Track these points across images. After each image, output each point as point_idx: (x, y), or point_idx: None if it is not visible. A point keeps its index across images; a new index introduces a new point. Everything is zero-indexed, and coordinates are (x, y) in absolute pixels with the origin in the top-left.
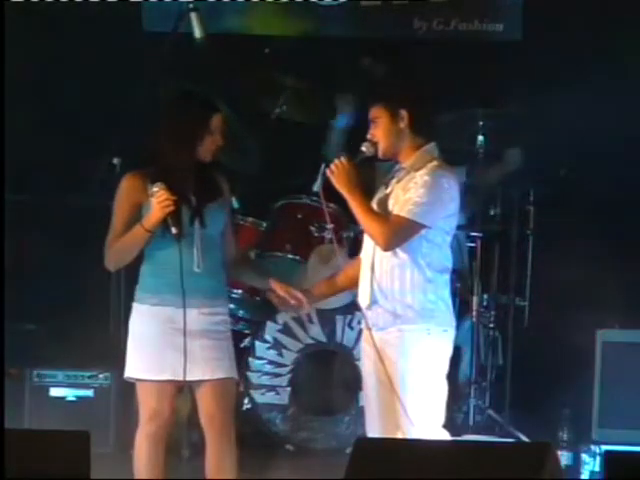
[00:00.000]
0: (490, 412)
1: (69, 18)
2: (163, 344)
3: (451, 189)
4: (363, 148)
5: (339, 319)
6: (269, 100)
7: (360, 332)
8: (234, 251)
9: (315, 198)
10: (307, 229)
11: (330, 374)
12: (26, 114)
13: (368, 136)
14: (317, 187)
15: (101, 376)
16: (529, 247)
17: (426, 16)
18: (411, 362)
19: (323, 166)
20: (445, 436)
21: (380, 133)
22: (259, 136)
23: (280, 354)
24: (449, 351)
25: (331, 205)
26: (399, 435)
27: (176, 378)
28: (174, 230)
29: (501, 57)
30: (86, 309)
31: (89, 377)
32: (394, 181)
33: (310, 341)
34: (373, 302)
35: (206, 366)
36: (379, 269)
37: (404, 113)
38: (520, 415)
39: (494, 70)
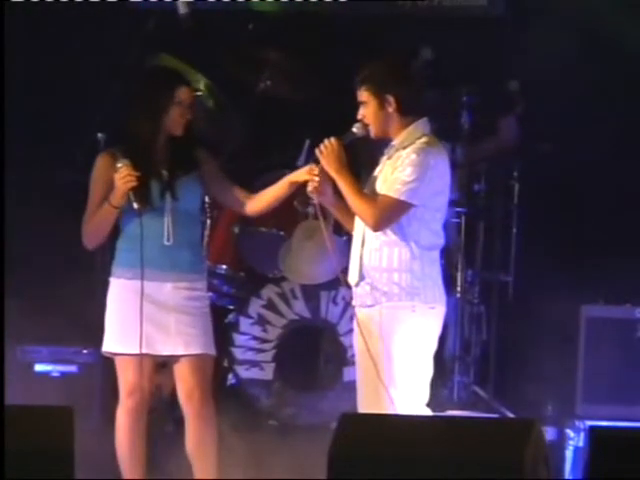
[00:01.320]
0: (474, 388)
1: None
2: (137, 318)
3: (438, 166)
4: (354, 129)
5: (323, 295)
6: (253, 76)
7: (345, 308)
8: (242, 192)
9: None
10: (291, 205)
11: (314, 350)
12: (10, 90)
13: (359, 117)
14: (301, 162)
15: (85, 352)
16: (513, 222)
17: None
18: (396, 339)
19: (307, 142)
20: (427, 411)
21: (370, 116)
22: (243, 112)
23: (264, 330)
24: (437, 328)
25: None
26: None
27: (150, 352)
28: (136, 205)
29: (485, 32)
30: (71, 284)
31: (74, 353)
32: (385, 158)
33: (294, 317)
34: (361, 279)
35: (180, 341)
36: (368, 247)
37: (391, 98)
38: (504, 391)
39: (478, 45)
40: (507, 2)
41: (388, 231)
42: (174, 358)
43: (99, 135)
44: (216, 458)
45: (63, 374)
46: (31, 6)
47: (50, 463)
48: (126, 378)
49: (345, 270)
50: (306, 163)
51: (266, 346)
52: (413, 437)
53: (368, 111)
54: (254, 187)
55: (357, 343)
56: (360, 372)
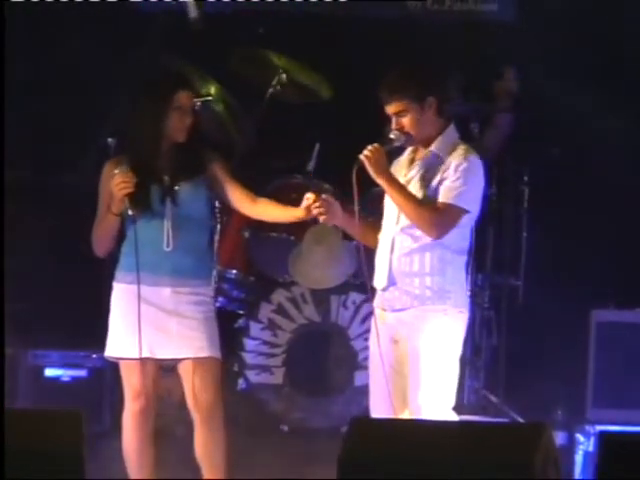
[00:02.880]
0: (484, 392)
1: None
2: (137, 322)
3: (481, 172)
4: (392, 136)
5: (333, 299)
6: (263, 80)
7: (355, 312)
8: (246, 193)
9: (316, 180)
10: None
11: (324, 354)
12: (23, 93)
13: (394, 127)
14: (311, 167)
15: (95, 356)
16: (523, 227)
17: None
18: (429, 342)
19: (317, 146)
20: (454, 418)
21: (410, 124)
22: (253, 116)
23: (274, 334)
24: (463, 332)
25: (326, 186)
26: (406, 415)
27: (152, 356)
28: (130, 212)
29: (495, 37)
30: (81, 289)
31: (83, 357)
32: (419, 164)
33: (304, 321)
34: (391, 283)
35: (183, 344)
36: (398, 251)
37: (432, 100)
38: (514, 395)
39: (488, 50)
40: (518, 7)
41: (420, 235)
42: (180, 362)
43: (109, 140)
44: (225, 462)
45: (73, 378)
46: (31, 6)
47: (59, 467)
48: (130, 382)
49: (356, 274)
50: (316, 167)
51: (276, 351)
52: (422, 441)
53: (408, 120)
54: (264, 192)
55: (376, 346)
56: (379, 375)
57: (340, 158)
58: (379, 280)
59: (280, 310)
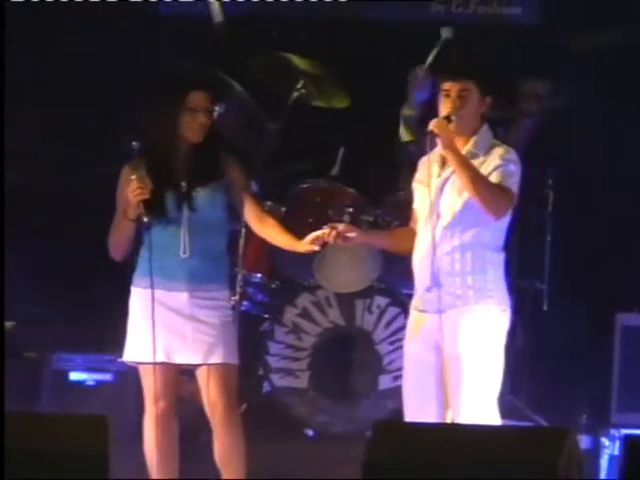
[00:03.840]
0: (509, 396)
1: (88, 3)
2: (155, 327)
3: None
4: (446, 113)
5: (358, 303)
6: (287, 84)
7: (380, 316)
8: (256, 211)
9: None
10: (326, 213)
11: (349, 358)
12: (47, 96)
13: (451, 105)
14: (335, 171)
15: (120, 360)
16: (548, 230)
17: None
18: (475, 342)
19: (342, 150)
20: (497, 418)
21: (469, 108)
22: (277, 120)
23: (299, 338)
24: (506, 331)
25: (350, 190)
26: (450, 415)
27: (168, 361)
28: (145, 218)
29: (519, 40)
30: (106, 292)
31: (108, 361)
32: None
33: (329, 325)
34: (434, 284)
35: (199, 349)
36: (440, 249)
37: (490, 99)
38: (539, 399)
39: (511, 54)
40: (542, 10)
41: (460, 234)
42: (196, 368)
43: (134, 143)
44: (244, 465)
45: (98, 382)
46: (35, 6)
47: (86, 473)
48: (149, 386)
49: (380, 278)
50: (340, 172)
51: (301, 354)
52: (446, 444)
53: (468, 104)
54: (288, 195)
55: (413, 349)
56: (415, 378)
57: (364, 162)
58: (421, 280)
59: (305, 314)
